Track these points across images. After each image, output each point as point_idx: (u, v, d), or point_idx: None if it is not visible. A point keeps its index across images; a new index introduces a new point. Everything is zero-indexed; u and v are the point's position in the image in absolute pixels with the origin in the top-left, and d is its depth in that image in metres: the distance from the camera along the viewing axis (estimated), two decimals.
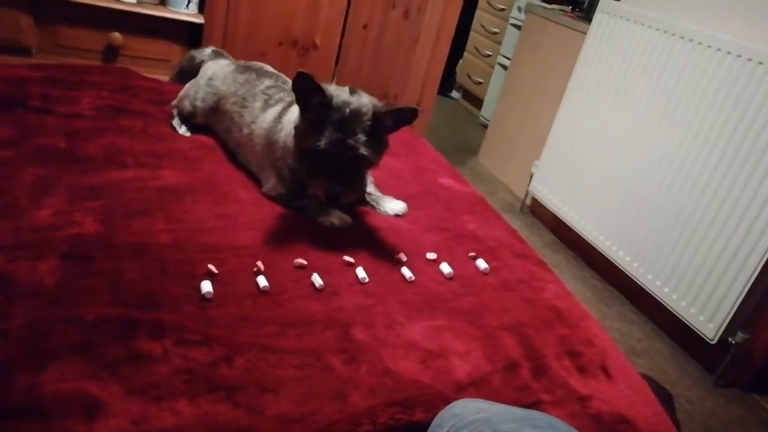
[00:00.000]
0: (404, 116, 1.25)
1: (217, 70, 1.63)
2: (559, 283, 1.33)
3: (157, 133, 1.57)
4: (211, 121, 1.61)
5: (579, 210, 2.45)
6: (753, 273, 1.75)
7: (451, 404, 0.82)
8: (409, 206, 1.46)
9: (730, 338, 1.88)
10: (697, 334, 1.92)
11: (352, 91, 1.24)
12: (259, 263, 1.10)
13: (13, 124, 1.43)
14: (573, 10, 3.07)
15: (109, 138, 1.46)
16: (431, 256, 1.28)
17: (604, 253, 2.31)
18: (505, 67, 3.65)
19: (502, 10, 3.95)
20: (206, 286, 1.01)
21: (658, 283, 2.06)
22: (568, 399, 0.98)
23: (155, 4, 2.24)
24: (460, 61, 4.43)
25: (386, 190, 1.51)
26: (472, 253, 1.33)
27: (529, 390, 0.98)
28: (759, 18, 1.92)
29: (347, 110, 1.20)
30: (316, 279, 1.10)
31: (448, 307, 1.13)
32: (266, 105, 1.46)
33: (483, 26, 4.16)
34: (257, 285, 1.06)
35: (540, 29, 2.99)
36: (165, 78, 2.05)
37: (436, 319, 1.09)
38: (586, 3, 2.95)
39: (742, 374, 1.95)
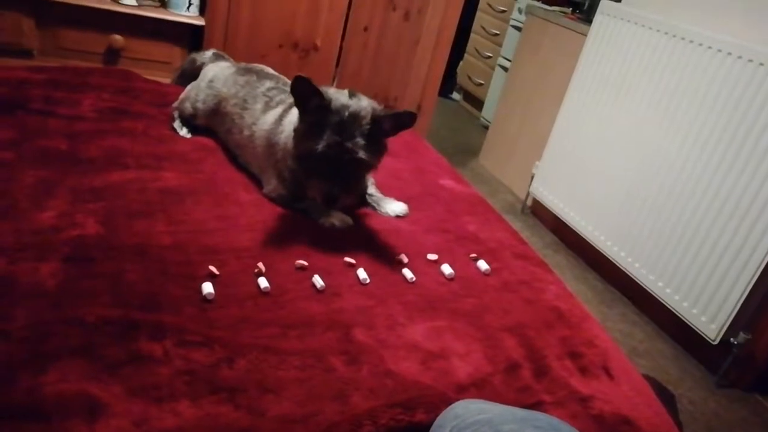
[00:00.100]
0: (403, 120, 1.25)
1: (217, 72, 1.63)
2: (560, 284, 1.33)
3: (158, 135, 1.57)
4: (211, 123, 1.61)
5: (580, 211, 2.45)
6: (755, 273, 1.75)
7: (453, 405, 0.82)
8: (410, 207, 1.46)
9: (732, 339, 1.87)
10: (699, 335, 1.91)
11: (351, 95, 1.24)
12: (260, 264, 1.10)
13: (14, 126, 1.43)
14: (573, 11, 3.07)
15: (111, 140, 1.47)
16: (432, 257, 1.28)
17: (605, 254, 2.31)
18: (505, 69, 3.65)
19: (503, 11, 3.96)
20: (207, 288, 1.01)
21: (659, 283, 2.06)
22: (570, 400, 0.98)
23: (156, 7, 2.24)
24: (461, 63, 4.43)
25: (387, 191, 1.51)
26: (473, 254, 1.33)
27: (530, 391, 0.97)
28: (759, 19, 1.92)
29: (346, 113, 1.20)
30: (317, 280, 1.10)
31: (449, 308, 1.13)
32: (267, 107, 1.46)
33: (483, 28, 4.16)
34: (258, 286, 1.06)
35: (540, 31, 2.99)
36: (166, 80, 2.05)
37: (437, 320, 1.09)
38: (587, 4, 2.95)
39: (745, 375, 1.95)
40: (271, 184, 1.39)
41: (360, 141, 1.21)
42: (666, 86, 2.09)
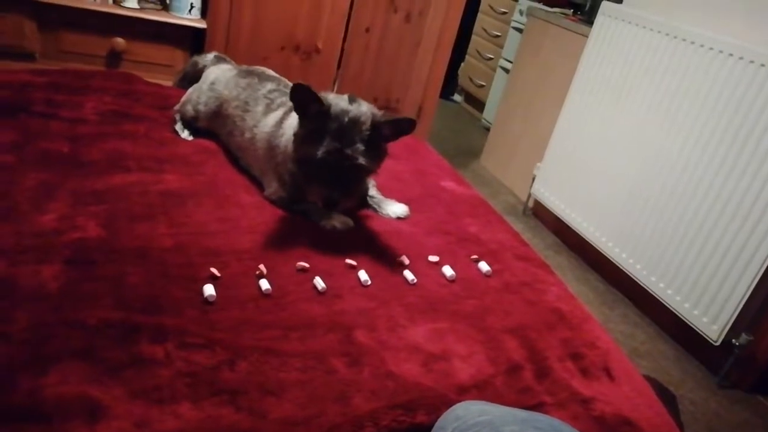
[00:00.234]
0: (402, 127, 1.25)
1: (219, 75, 1.63)
2: (561, 285, 1.32)
3: (159, 137, 1.57)
4: (213, 126, 1.61)
5: (581, 212, 2.45)
6: (756, 274, 1.75)
7: (454, 406, 0.82)
8: (411, 209, 1.46)
9: (733, 340, 1.87)
10: (701, 336, 1.91)
11: (351, 100, 1.24)
12: (262, 266, 1.10)
13: (16, 128, 1.44)
14: (574, 13, 3.07)
15: (112, 143, 1.47)
16: (433, 258, 1.28)
17: (606, 255, 2.31)
18: (506, 71, 3.65)
19: (504, 13, 3.96)
20: (209, 290, 1.01)
21: (661, 285, 2.06)
22: (571, 401, 0.98)
23: (158, 10, 2.25)
24: (462, 65, 4.43)
25: (388, 193, 1.51)
26: (475, 256, 1.33)
27: (531, 392, 0.97)
28: (760, 20, 1.92)
29: (346, 119, 1.20)
30: (319, 282, 1.10)
31: (450, 309, 1.13)
32: (268, 109, 1.46)
33: (485, 29, 4.17)
34: (260, 288, 1.06)
35: (541, 32, 2.99)
36: (168, 83, 2.05)
37: (439, 321, 1.09)
38: (588, 6, 2.96)
39: (746, 376, 1.94)
40: (272, 187, 1.39)
41: (360, 147, 1.21)
42: (667, 87, 2.09)
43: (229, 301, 1.01)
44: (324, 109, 1.20)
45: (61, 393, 0.77)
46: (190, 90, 1.69)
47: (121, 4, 2.16)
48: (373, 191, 1.48)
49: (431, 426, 0.82)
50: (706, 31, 1.98)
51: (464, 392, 0.94)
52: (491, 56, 4.07)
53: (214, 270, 1.07)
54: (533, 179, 2.78)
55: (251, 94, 1.51)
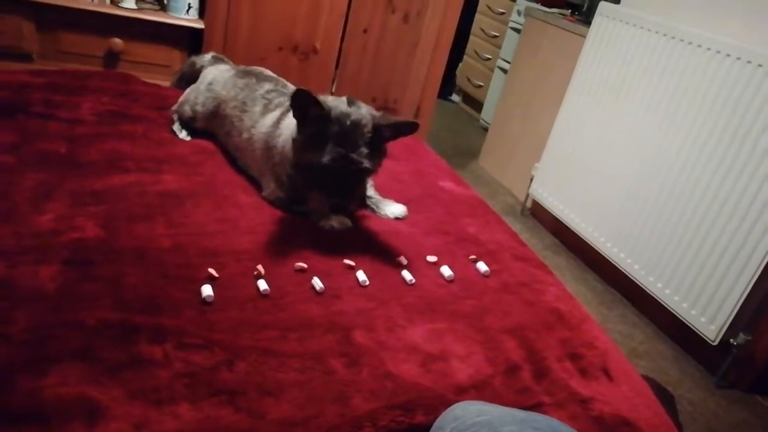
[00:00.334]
0: (403, 129, 1.26)
1: (217, 75, 1.63)
2: (560, 285, 1.33)
3: (157, 138, 1.57)
4: (211, 126, 1.61)
5: (580, 212, 2.45)
6: (754, 274, 1.75)
7: (452, 407, 0.82)
8: (409, 209, 1.46)
9: (731, 339, 1.88)
10: (699, 336, 1.91)
11: (350, 102, 1.24)
12: (260, 267, 1.10)
13: (14, 129, 1.43)
14: (572, 13, 3.07)
15: (110, 143, 1.47)
16: (432, 259, 1.28)
17: (605, 255, 2.31)
18: (504, 71, 3.65)
19: (502, 13, 3.96)
20: (207, 290, 1.01)
21: (659, 285, 2.06)
22: (570, 401, 0.98)
23: (155, 10, 2.25)
24: (460, 65, 4.43)
25: (387, 193, 1.51)
26: (473, 256, 1.33)
27: (530, 392, 0.97)
28: (758, 20, 1.93)
29: (347, 122, 1.19)
30: (317, 282, 1.10)
31: (448, 310, 1.13)
32: (265, 109, 1.46)
33: (482, 30, 4.17)
34: (258, 289, 1.06)
35: (539, 33, 2.99)
36: (166, 83, 2.05)
37: (437, 322, 1.09)
38: (586, 6, 2.96)
39: (744, 375, 1.95)
40: (270, 188, 1.39)
41: (364, 150, 1.21)
42: (665, 88, 2.09)
43: (227, 302, 1.01)
44: (324, 113, 1.19)
45: (60, 394, 0.77)
46: (188, 90, 1.69)
47: (119, 5, 2.16)
48: (371, 191, 1.48)
49: (430, 426, 0.83)
50: (703, 31, 1.99)
51: (463, 392, 0.94)
52: (489, 56, 4.07)
53: (212, 270, 1.07)
54: (531, 179, 2.78)
55: (249, 95, 1.51)
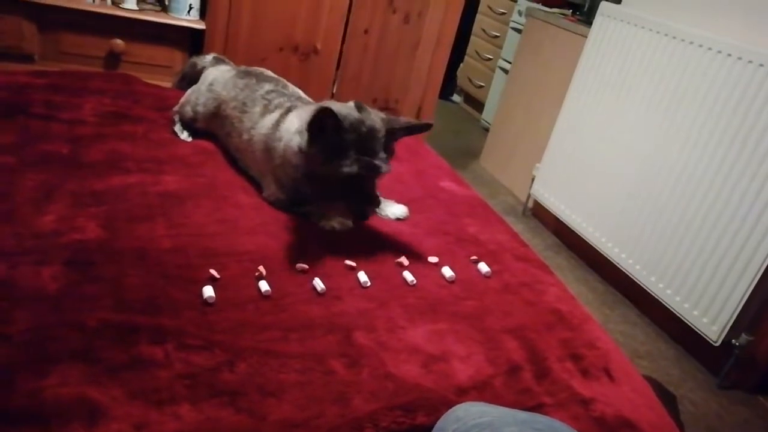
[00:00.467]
0: (417, 130, 1.30)
1: (217, 76, 1.63)
2: (561, 285, 1.32)
3: (158, 138, 1.57)
4: (212, 127, 1.61)
5: (581, 212, 2.45)
6: (756, 274, 1.75)
7: (454, 408, 0.82)
8: (410, 210, 1.46)
9: (733, 340, 1.87)
10: (701, 336, 1.91)
11: (359, 108, 1.24)
12: (261, 268, 1.10)
13: (16, 130, 1.44)
14: (573, 13, 3.07)
15: (111, 144, 1.47)
16: (433, 259, 1.28)
17: (606, 256, 2.31)
18: (506, 71, 3.65)
19: (503, 14, 3.96)
20: (208, 291, 1.01)
21: (660, 285, 2.06)
22: (571, 402, 0.98)
23: (157, 11, 2.25)
24: (461, 65, 4.43)
25: (388, 194, 1.51)
26: (474, 257, 1.32)
27: (531, 393, 0.97)
28: (759, 20, 1.92)
29: (364, 129, 1.20)
30: (318, 283, 1.10)
31: (449, 310, 1.13)
32: (265, 110, 1.46)
33: (483, 30, 4.17)
34: (259, 290, 1.06)
35: (540, 33, 2.99)
36: (167, 84, 2.05)
37: (438, 322, 1.09)
38: (587, 6, 2.96)
39: (746, 376, 1.94)
40: (270, 189, 1.39)
41: (383, 155, 1.22)
42: (666, 88, 2.09)
43: (228, 303, 1.01)
44: (339, 122, 1.18)
45: (61, 394, 0.77)
46: (189, 91, 1.69)
47: (120, 6, 2.16)
48: None
49: (431, 427, 0.82)
50: (704, 31, 1.99)
51: (464, 393, 0.94)
52: (490, 57, 4.07)
53: (213, 271, 1.06)
54: (532, 180, 2.78)
55: (249, 95, 1.51)
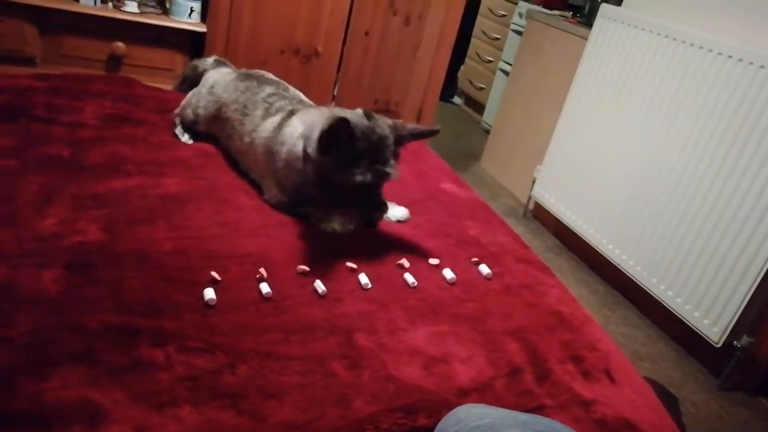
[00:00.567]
0: (423, 135, 1.31)
1: (218, 79, 1.64)
2: (562, 287, 1.32)
3: (159, 141, 1.57)
4: (213, 129, 1.61)
5: (582, 214, 2.45)
6: (757, 276, 1.75)
7: (455, 409, 0.82)
8: (411, 212, 1.46)
9: (735, 342, 1.87)
10: (702, 338, 1.91)
11: (367, 115, 1.24)
12: (262, 270, 1.10)
13: (17, 133, 1.44)
14: (574, 15, 3.07)
15: (112, 147, 1.47)
16: (434, 261, 1.28)
17: (607, 257, 2.31)
18: (506, 73, 3.66)
19: (503, 16, 3.97)
20: (209, 293, 1.01)
21: (662, 286, 2.05)
22: (572, 403, 0.98)
23: (158, 14, 2.26)
24: (462, 67, 4.44)
25: (389, 196, 1.50)
26: (475, 259, 1.33)
27: (532, 395, 0.97)
28: (759, 22, 1.93)
29: (374, 138, 1.20)
30: (319, 285, 1.10)
31: (450, 312, 1.13)
32: (267, 113, 1.46)
33: (484, 32, 4.17)
34: (260, 292, 1.06)
35: (541, 35, 3.00)
36: (168, 87, 2.06)
37: (439, 324, 1.09)
38: (587, 8, 2.96)
39: (748, 378, 1.94)
40: (272, 191, 1.39)
41: (392, 162, 1.24)
42: (667, 89, 2.09)
43: (229, 305, 1.01)
44: (351, 131, 1.19)
45: (62, 397, 0.77)
46: (190, 94, 1.69)
47: (122, 9, 2.16)
48: None
49: (432, 429, 0.83)
50: (705, 33, 1.99)
51: (465, 395, 0.94)
52: (491, 59, 4.07)
53: (214, 273, 1.07)
54: (533, 181, 2.78)
55: (250, 98, 1.51)
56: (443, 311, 1.13)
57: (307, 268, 1.15)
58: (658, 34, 2.13)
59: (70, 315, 0.90)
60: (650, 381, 1.24)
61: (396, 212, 1.44)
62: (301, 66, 2.44)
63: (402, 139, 1.27)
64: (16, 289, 0.94)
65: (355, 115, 1.23)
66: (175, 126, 1.66)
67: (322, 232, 1.31)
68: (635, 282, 2.17)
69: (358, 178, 1.19)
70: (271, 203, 1.38)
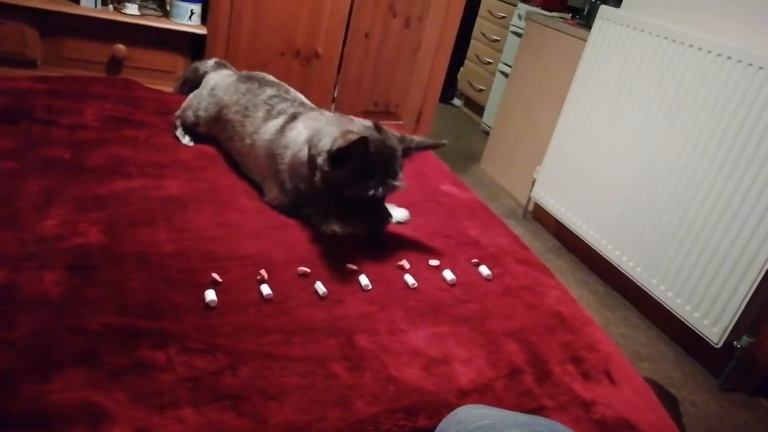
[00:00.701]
0: (429, 148, 1.35)
1: (219, 81, 1.64)
2: (562, 288, 1.33)
3: (160, 143, 1.58)
4: (213, 131, 1.62)
5: (582, 215, 2.45)
6: (757, 276, 1.75)
7: (455, 410, 0.83)
8: (411, 213, 1.47)
9: (735, 342, 1.87)
10: (702, 338, 1.91)
11: (377, 128, 1.26)
12: (263, 271, 1.11)
13: (18, 135, 1.44)
14: (573, 17, 3.08)
15: (113, 149, 1.48)
16: (434, 262, 1.28)
17: (607, 258, 2.31)
18: (506, 75, 3.66)
19: (503, 18, 3.97)
20: (210, 295, 1.01)
21: (662, 287, 2.06)
22: (572, 404, 0.98)
23: (158, 16, 2.26)
24: (461, 69, 4.44)
25: (388, 197, 1.51)
26: (475, 260, 1.33)
27: (532, 395, 0.98)
28: (758, 23, 1.93)
29: (385, 151, 1.23)
30: (320, 287, 1.11)
31: (451, 313, 1.13)
32: (268, 115, 1.46)
33: (483, 34, 4.18)
34: (261, 293, 1.06)
35: (540, 36, 3.00)
36: (169, 89, 2.06)
37: (439, 325, 1.09)
38: (586, 10, 2.97)
39: (748, 378, 1.94)
40: (273, 193, 1.39)
41: (401, 174, 1.26)
42: (666, 91, 2.09)
43: (230, 306, 1.02)
44: (366, 146, 1.20)
45: (63, 399, 0.77)
46: (191, 96, 1.69)
47: (122, 11, 2.17)
48: None
49: (432, 430, 0.83)
50: (704, 34, 1.99)
51: (465, 396, 0.94)
52: (490, 60, 4.08)
53: (215, 275, 1.07)
54: (533, 183, 2.79)
55: (251, 100, 1.52)
56: (443, 312, 1.13)
57: (307, 270, 1.15)
58: (657, 35, 2.13)
59: (71, 317, 0.91)
60: (650, 381, 1.24)
61: (396, 214, 1.44)
62: (302, 68, 2.45)
63: (409, 151, 1.29)
64: (18, 291, 0.94)
65: (367, 128, 1.25)
66: (175, 128, 1.66)
67: (323, 233, 1.31)
68: (635, 283, 2.17)
69: (371, 191, 1.21)
70: (271, 204, 1.39)
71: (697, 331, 1.93)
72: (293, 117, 1.41)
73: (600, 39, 2.40)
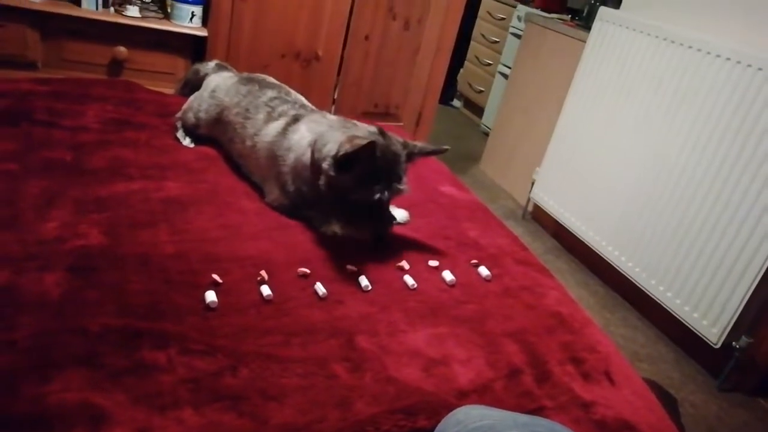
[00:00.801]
0: (432, 154, 1.37)
1: (220, 82, 1.64)
2: (561, 289, 1.33)
3: (161, 145, 1.58)
4: (214, 133, 1.62)
5: (581, 216, 2.46)
6: (756, 276, 1.75)
7: (454, 411, 0.83)
8: (411, 214, 1.47)
9: (734, 342, 1.87)
10: (701, 339, 1.91)
11: (382, 134, 1.27)
12: (263, 273, 1.11)
13: (19, 137, 1.45)
14: (572, 18, 3.09)
15: (114, 150, 1.48)
16: (433, 263, 1.28)
17: (606, 259, 2.31)
18: (505, 76, 3.67)
19: (502, 19, 3.98)
20: (210, 296, 1.02)
21: (661, 288, 2.06)
22: (572, 405, 0.98)
23: (159, 18, 2.27)
24: (461, 70, 4.45)
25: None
26: (474, 261, 1.33)
27: (532, 396, 0.98)
28: (758, 24, 1.93)
29: (390, 157, 1.24)
30: (320, 288, 1.11)
31: (450, 314, 1.14)
32: (269, 117, 1.47)
33: (483, 35, 4.18)
34: (261, 294, 1.06)
35: (540, 38, 3.01)
36: (169, 91, 2.07)
37: (439, 326, 1.09)
38: (585, 12, 2.97)
39: (747, 378, 1.94)
40: (273, 194, 1.40)
41: (405, 179, 1.27)
42: (665, 92, 2.10)
43: (230, 308, 1.02)
44: (374, 153, 1.21)
45: (64, 400, 0.78)
46: (192, 98, 1.70)
47: (123, 13, 2.17)
48: None
49: (432, 430, 0.83)
50: (704, 35, 2.00)
51: (464, 397, 0.94)
52: (490, 62, 4.09)
53: (215, 276, 1.07)
54: (532, 184, 2.79)
55: (252, 101, 1.52)
56: (443, 313, 1.13)
57: (307, 271, 1.16)
58: (657, 36, 2.14)
59: (72, 318, 0.91)
60: (649, 382, 1.25)
61: (396, 215, 1.45)
62: (302, 70, 2.45)
63: (413, 156, 1.31)
64: (19, 292, 0.94)
65: (372, 134, 1.26)
66: (176, 130, 1.67)
67: (323, 234, 1.32)
68: (634, 284, 2.17)
69: (377, 195, 1.22)
70: (272, 206, 1.39)
71: (696, 332, 1.93)
72: (295, 119, 1.42)
73: (599, 40, 2.40)
